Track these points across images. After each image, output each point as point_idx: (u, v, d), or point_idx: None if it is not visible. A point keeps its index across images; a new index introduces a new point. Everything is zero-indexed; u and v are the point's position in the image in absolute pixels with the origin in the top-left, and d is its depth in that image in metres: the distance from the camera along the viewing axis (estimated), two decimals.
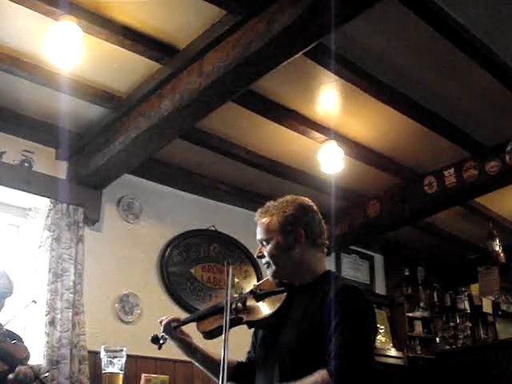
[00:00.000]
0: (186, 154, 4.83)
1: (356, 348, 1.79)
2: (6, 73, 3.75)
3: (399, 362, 6.33)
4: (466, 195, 5.25)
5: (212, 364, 2.18)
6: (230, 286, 2.05)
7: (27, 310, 3.56)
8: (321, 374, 1.78)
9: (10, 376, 3.21)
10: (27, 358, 3.44)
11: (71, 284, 4.13)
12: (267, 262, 2.09)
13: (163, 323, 2.23)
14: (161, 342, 2.27)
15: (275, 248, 2.06)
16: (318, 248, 2.10)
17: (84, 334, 4.12)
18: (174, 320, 2.23)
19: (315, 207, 2.15)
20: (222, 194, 5.42)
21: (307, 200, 2.16)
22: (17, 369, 3.23)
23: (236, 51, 3.26)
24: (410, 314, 6.79)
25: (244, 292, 2.18)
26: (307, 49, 3.22)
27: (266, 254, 2.08)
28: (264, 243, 2.09)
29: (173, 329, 2.21)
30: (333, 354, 1.78)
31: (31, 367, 3.34)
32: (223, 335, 1.92)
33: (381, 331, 6.40)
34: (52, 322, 4.00)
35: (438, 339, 6.92)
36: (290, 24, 2.97)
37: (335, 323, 1.82)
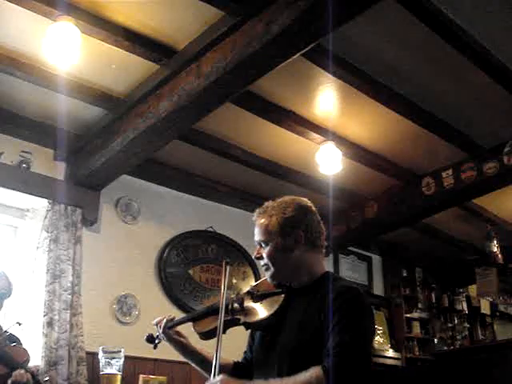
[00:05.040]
0: (184, 155, 4.83)
1: (352, 348, 1.78)
2: (3, 73, 3.75)
3: (397, 362, 6.33)
4: (464, 196, 5.25)
5: (208, 364, 2.15)
6: (225, 285, 2.04)
7: (12, 331, 3.53)
8: (315, 370, 1.76)
9: (9, 381, 3.19)
10: (27, 361, 3.43)
11: (69, 285, 4.13)
12: (266, 264, 2.05)
13: (159, 324, 2.22)
14: (156, 341, 2.27)
15: (274, 250, 2.03)
16: (317, 249, 2.08)
17: (82, 335, 4.12)
18: (169, 320, 2.23)
19: (314, 208, 2.12)
20: (219, 194, 5.42)
21: (306, 200, 2.13)
22: (15, 372, 3.20)
23: (234, 52, 3.26)
24: (408, 315, 6.79)
25: (241, 292, 2.16)
26: (305, 50, 3.22)
27: (264, 255, 2.05)
28: (263, 245, 2.06)
29: (168, 329, 2.21)
30: (328, 352, 1.78)
31: (31, 372, 3.32)
32: (217, 334, 1.92)
33: (379, 332, 6.40)
34: (50, 323, 3.99)
35: (436, 340, 6.92)
36: (288, 25, 2.97)
37: (333, 323, 1.82)
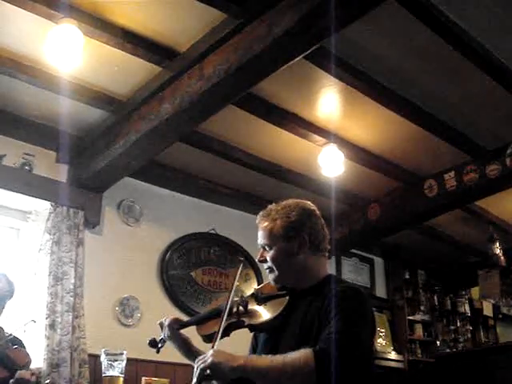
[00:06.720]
0: (186, 157, 4.83)
1: (347, 335, 1.73)
2: (6, 76, 3.75)
3: (399, 365, 6.31)
4: (466, 198, 5.25)
5: None
6: (236, 282, 2.04)
7: (26, 329, 3.54)
8: (305, 352, 1.71)
9: (11, 381, 3.20)
10: (28, 364, 3.44)
11: (71, 287, 4.13)
12: (269, 267, 2.05)
13: (165, 325, 2.21)
14: (159, 345, 2.24)
15: (278, 254, 2.02)
16: (320, 253, 2.07)
17: (84, 338, 4.12)
18: (174, 321, 2.22)
19: (318, 211, 2.11)
20: (222, 197, 5.41)
21: (310, 204, 2.12)
22: (17, 373, 3.21)
23: (236, 54, 3.26)
24: (411, 318, 6.77)
25: (245, 295, 2.15)
26: (307, 52, 3.23)
27: (268, 258, 2.04)
28: (266, 248, 2.05)
29: (173, 330, 2.20)
30: (323, 337, 1.75)
31: (33, 373, 3.33)
32: (218, 333, 1.91)
33: (381, 334, 6.39)
34: (52, 326, 3.99)
35: (438, 342, 6.91)
36: (290, 27, 2.97)
37: (332, 315, 1.79)
